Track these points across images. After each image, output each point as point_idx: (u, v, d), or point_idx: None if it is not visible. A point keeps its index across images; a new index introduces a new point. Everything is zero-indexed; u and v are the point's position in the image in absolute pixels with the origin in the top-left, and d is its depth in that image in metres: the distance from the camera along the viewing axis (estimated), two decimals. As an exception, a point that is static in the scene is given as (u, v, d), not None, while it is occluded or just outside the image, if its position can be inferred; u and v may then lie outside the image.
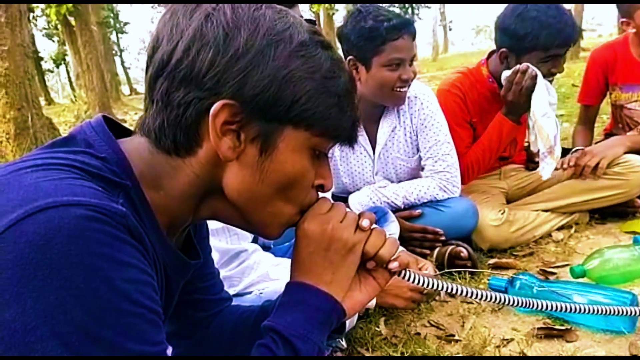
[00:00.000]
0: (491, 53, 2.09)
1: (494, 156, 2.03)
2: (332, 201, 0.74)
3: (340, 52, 1.86)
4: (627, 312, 1.03)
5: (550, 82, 1.96)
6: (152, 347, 0.53)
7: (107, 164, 0.59)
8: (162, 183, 0.63)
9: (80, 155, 0.58)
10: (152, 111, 0.62)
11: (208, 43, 0.59)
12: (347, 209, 0.74)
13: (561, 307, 0.90)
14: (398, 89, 1.76)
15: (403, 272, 0.76)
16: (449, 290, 0.80)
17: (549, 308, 0.89)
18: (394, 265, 0.73)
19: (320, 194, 0.74)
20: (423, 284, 0.78)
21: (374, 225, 0.74)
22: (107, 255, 0.49)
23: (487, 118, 2.07)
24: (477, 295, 0.81)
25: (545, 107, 1.88)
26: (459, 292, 0.80)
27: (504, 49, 1.93)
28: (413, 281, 0.77)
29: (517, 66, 1.87)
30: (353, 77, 0.69)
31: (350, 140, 0.70)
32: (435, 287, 0.79)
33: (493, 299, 0.82)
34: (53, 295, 0.46)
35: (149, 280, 0.54)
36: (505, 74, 1.93)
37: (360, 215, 0.73)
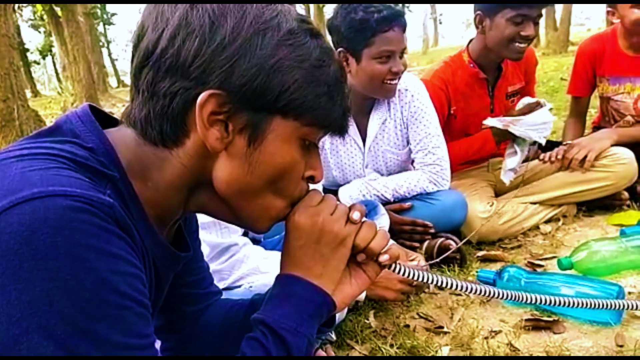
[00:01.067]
0: (471, 40, 2.16)
1: (463, 161, 2.11)
2: (322, 193, 0.74)
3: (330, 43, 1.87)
4: (612, 306, 1.04)
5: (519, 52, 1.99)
6: (140, 340, 0.52)
7: (94, 154, 0.58)
8: (150, 175, 0.62)
9: (66, 145, 0.57)
10: (138, 101, 0.61)
11: (194, 31, 0.57)
12: (338, 202, 0.74)
13: (548, 301, 0.90)
14: (388, 82, 1.76)
15: (393, 265, 0.76)
16: (438, 283, 0.80)
17: (536, 301, 0.89)
18: (384, 258, 0.73)
19: (311, 186, 0.73)
20: (413, 277, 0.77)
21: (364, 218, 0.73)
22: (94, 246, 0.48)
23: (470, 103, 2.13)
24: (466, 288, 0.81)
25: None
26: (448, 285, 0.80)
27: (478, 12, 2.01)
28: (403, 274, 0.76)
29: (539, 99, 2.01)
30: (343, 66, 0.67)
31: (340, 130, 0.68)
32: (424, 279, 0.79)
33: (481, 292, 0.82)
34: (39, 287, 0.45)
35: (137, 273, 0.54)
36: (526, 100, 2.04)
37: (350, 208, 0.73)
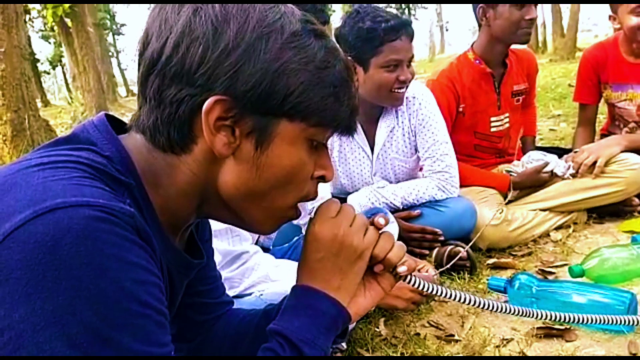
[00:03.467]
0: (474, 42, 2.23)
1: (466, 184, 2.10)
2: (339, 202, 0.74)
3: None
4: (627, 322, 1.03)
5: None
6: (159, 349, 0.53)
7: (111, 162, 0.59)
8: (160, 181, 0.63)
9: (84, 152, 0.58)
10: (146, 109, 0.62)
11: (197, 38, 0.58)
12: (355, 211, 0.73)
13: (561, 317, 0.90)
14: (396, 90, 1.76)
15: (408, 276, 0.76)
16: (453, 298, 0.79)
17: (550, 318, 0.89)
18: (402, 269, 0.73)
19: (320, 192, 0.73)
20: (428, 290, 0.78)
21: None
22: (116, 255, 0.49)
23: (478, 100, 2.18)
24: (479, 303, 0.81)
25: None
26: (460, 300, 0.80)
27: (481, 6, 2.10)
28: (418, 286, 0.77)
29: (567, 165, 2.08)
30: (349, 65, 0.66)
31: (348, 130, 0.68)
32: (438, 293, 0.79)
33: (498, 309, 0.82)
34: (62, 296, 0.46)
35: (156, 282, 0.54)
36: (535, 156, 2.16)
37: (373, 215, 0.73)
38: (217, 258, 1.21)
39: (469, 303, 0.80)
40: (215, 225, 1.22)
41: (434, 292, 0.78)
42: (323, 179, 0.70)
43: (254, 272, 1.25)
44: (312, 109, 0.61)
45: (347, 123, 0.66)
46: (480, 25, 2.16)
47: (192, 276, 0.76)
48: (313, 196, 0.70)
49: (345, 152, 1.96)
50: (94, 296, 0.47)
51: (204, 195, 0.65)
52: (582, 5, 13.24)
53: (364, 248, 0.70)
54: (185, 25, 0.58)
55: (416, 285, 0.76)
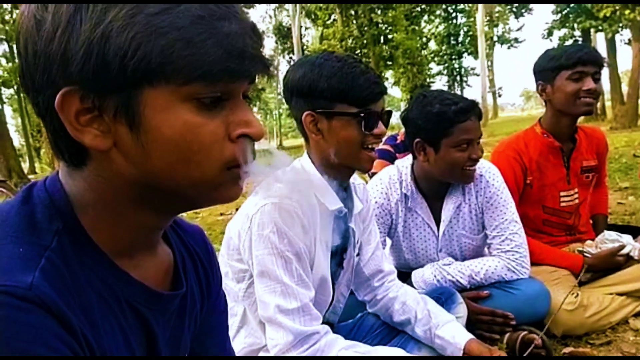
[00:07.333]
0: (541, 118, 2.25)
1: (536, 262, 2.02)
2: None
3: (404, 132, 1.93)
4: None
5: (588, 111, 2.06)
6: None
7: (34, 210, 0.56)
8: (88, 202, 0.58)
9: (15, 206, 0.56)
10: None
11: (26, 38, 0.54)
12: None
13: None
14: (468, 168, 1.78)
15: None
16: None
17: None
18: None
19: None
20: None
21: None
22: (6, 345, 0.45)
23: (545, 174, 2.16)
24: None
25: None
26: None
27: (539, 82, 2.14)
28: None
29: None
30: (213, 7, 0.55)
31: (234, 74, 0.56)
32: None
33: None
34: None
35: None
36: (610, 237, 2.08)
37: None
38: (289, 337, 1.22)
39: None
40: (288, 303, 1.24)
41: None
42: (249, 136, 0.59)
43: (323, 355, 1.25)
44: (158, 64, 0.52)
45: (225, 66, 0.54)
46: (545, 102, 2.17)
47: (174, 307, 0.69)
48: (244, 158, 0.60)
49: (410, 227, 1.96)
50: None
51: (126, 196, 0.59)
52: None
53: None
54: (19, 31, 0.55)
55: None
